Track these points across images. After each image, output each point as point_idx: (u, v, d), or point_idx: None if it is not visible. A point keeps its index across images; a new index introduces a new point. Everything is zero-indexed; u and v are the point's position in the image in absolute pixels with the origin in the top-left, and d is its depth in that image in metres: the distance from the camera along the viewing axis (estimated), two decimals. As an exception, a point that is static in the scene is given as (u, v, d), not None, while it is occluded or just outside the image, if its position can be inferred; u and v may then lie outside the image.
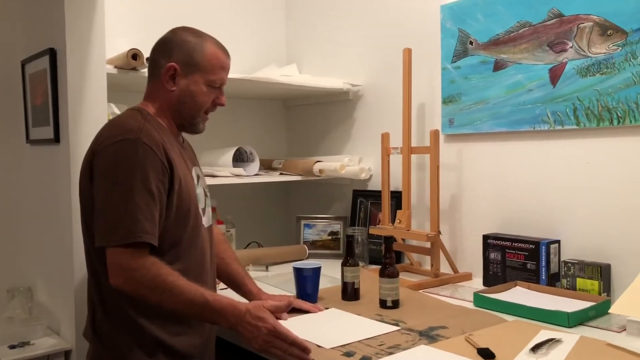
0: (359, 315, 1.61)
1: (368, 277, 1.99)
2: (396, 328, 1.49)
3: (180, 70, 1.46)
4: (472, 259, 2.09)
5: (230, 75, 2.18)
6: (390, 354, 1.30)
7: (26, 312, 2.06)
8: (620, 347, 1.31)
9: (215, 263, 1.60)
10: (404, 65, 2.14)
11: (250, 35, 2.84)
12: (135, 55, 1.91)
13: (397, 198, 2.29)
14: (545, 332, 1.42)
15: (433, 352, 1.31)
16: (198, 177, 1.55)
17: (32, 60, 2.01)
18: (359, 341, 1.39)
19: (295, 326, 1.50)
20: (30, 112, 2.10)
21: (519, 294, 1.75)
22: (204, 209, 1.53)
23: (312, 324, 1.55)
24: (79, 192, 1.44)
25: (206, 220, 1.53)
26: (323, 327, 1.53)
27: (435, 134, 2.02)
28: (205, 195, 1.57)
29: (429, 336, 1.42)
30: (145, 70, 1.97)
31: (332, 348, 1.35)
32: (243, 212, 2.75)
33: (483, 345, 1.31)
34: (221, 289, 1.86)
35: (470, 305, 1.70)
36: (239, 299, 1.72)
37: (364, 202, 2.52)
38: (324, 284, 1.83)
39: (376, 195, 2.43)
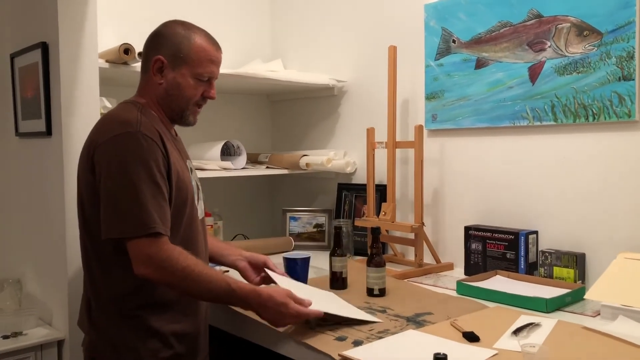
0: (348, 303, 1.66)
1: (354, 267, 2.05)
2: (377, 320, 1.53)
3: (168, 63, 1.47)
4: (453, 250, 2.17)
5: (218, 70, 2.24)
6: (380, 338, 1.37)
7: (16, 303, 2.08)
8: (595, 330, 1.40)
9: (207, 254, 1.64)
10: (389, 62, 2.20)
11: (235, 30, 2.87)
12: (127, 49, 1.94)
13: (381, 191, 2.35)
14: (525, 317, 1.50)
15: (421, 336, 1.38)
16: (191, 169, 1.58)
17: (23, 54, 2.02)
18: (347, 323, 1.46)
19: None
20: (20, 105, 2.11)
21: (499, 282, 1.83)
22: (197, 200, 1.56)
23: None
24: (77, 186, 1.46)
25: (200, 212, 1.57)
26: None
27: (419, 129, 2.09)
28: (198, 187, 1.61)
29: (416, 321, 1.49)
30: (137, 64, 2.00)
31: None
32: (230, 205, 2.79)
33: (468, 330, 1.38)
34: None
35: (453, 293, 1.78)
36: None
37: (349, 195, 2.58)
38: (309, 274, 1.88)
39: (360, 188, 2.50)
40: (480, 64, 2.07)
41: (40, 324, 1.98)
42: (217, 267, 2.16)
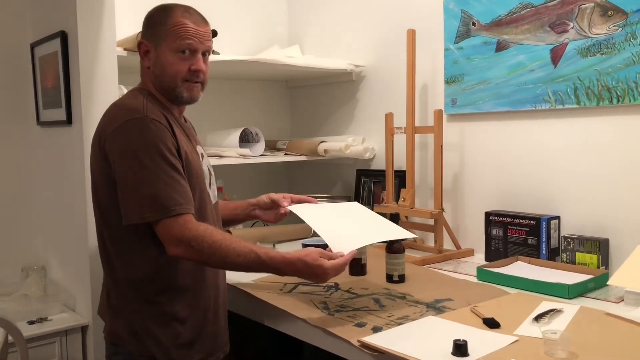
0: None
1: (374, 253, 2.05)
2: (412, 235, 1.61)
3: (150, 45, 1.48)
4: (474, 236, 2.15)
5: (234, 57, 2.24)
6: (400, 324, 1.36)
7: (41, 289, 2.12)
8: (618, 316, 1.38)
9: None
10: (408, 46, 2.17)
11: (253, 17, 2.86)
12: (144, 37, 1.94)
13: (400, 177, 2.34)
14: (546, 303, 1.48)
15: (441, 322, 1.37)
16: (202, 154, 1.57)
17: (42, 43, 2.04)
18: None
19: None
20: (41, 95, 2.13)
21: (520, 268, 1.81)
22: (209, 185, 1.56)
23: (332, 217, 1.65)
24: (91, 175, 1.47)
25: (212, 197, 1.57)
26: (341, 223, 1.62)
27: (438, 114, 2.07)
28: (210, 172, 1.60)
29: (436, 308, 1.48)
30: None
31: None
32: (249, 191, 2.77)
33: (488, 316, 1.37)
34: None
35: (474, 280, 1.76)
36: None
37: (367, 181, 2.57)
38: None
39: (379, 174, 2.48)
40: (500, 47, 2.03)
41: (65, 310, 2.02)
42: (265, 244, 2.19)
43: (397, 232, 1.64)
